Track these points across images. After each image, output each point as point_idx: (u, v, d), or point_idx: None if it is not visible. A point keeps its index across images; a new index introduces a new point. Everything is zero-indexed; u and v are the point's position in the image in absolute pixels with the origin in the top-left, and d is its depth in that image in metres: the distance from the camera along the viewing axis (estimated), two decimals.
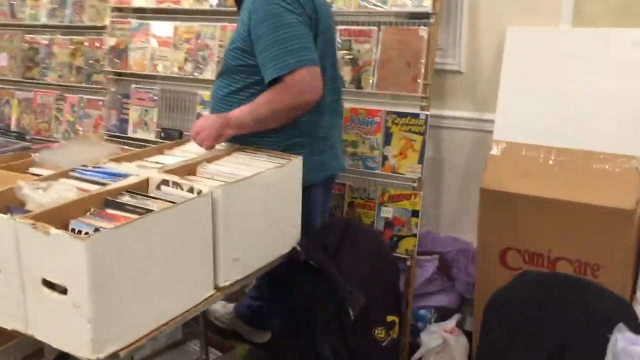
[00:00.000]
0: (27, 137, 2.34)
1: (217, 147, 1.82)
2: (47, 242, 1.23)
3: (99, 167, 1.64)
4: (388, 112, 2.35)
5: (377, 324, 1.64)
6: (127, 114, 3.01)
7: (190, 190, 1.49)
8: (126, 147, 2.63)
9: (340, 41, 2.41)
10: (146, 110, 2.95)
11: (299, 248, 1.73)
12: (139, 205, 1.41)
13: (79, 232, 1.32)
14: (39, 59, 3.41)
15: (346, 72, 2.41)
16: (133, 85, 2.99)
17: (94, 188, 1.51)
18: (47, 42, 3.37)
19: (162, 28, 2.91)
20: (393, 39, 2.31)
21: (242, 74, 1.93)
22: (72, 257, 1.20)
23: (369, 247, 1.72)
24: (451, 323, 2.33)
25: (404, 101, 2.35)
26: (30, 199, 1.46)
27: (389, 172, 2.34)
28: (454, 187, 2.55)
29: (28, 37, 3.45)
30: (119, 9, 3.07)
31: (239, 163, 1.73)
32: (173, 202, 1.41)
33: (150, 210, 1.37)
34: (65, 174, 1.60)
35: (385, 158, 2.35)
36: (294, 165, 1.74)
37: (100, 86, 3.15)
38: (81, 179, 1.57)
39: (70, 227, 1.35)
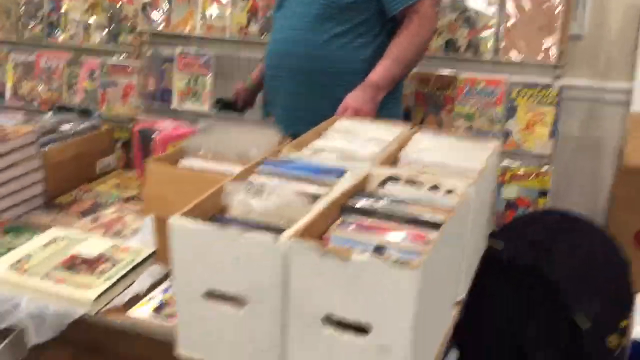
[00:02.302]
0: (94, 112, 1.93)
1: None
2: (344, 271, 0.93)
3: (290, 160, 1.32)
4: (513, 83, 2.12)
5: (610, 332, 1.45)
6: (170, 82, 2.60)
7: (434, 188, 1.21)
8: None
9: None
10: (196, 79, 2.56)
11: (499, 246, 1.49)
12: (396, 211, 1.12)
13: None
14: (42, 16, 2.89)
15: (460, 35, 2.15)
16: (178, 49, 2.58)
17: (311, 189, 1.20)
18: None
19: None
20: None
21: (352, 12, 1.75)
22: (389, 289, 0.91)
23: (591, 241, 1.51)
24: None
25: (529, 70, 2.13)
26: (244, 205, 1.14)
27: (513, 148, 2.14)
28: (563, 163, 2.38)
29: None
30: None
31: (434, 148, 1.45)
32: (449, 208, 1.13)
33: (422, 221, 1.09)
34: (253, 169, 1.27)
35: (507, 133, 2.14)
36: (496, 147, 1.49)
37: (128, 50, 2.71)
38: (279, 175, 1.25)
39: (331, 243, 1.05)
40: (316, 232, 1.06)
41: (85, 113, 1.94)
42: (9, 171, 1.60)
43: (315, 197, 1.16)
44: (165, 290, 1.28)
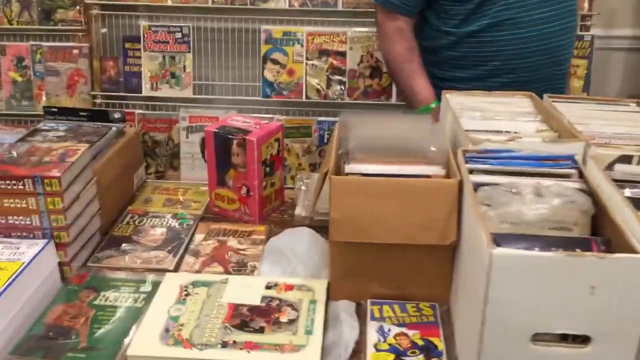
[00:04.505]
0: (117, 115, 1.51)
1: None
2: None
3: (493, 151, 1.10)
4: None
5: None
6: (138, 64, 2.16)
7: None
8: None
9: None
10: (172, 58, 2.15)
11: None
12: None
13: None
14: None
15: None
16: (143, 24, 2.14)
17: (570, 184, 1.01)
18: None
19: None
20: None
21: None
22: None
23: None
24: None
25: None
26: (510, 216, 0.92)
27: None
28: None
29: None
30: None
31: (598, 117, 1.31)
32: None
33: None
34: (462, 168, 1.04)
35: None
36: None
37: (72, 27, 2.19)
38: (506, 172, 1.04)
39: None
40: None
41: (100, 116, 1.52)
42: (74, 207, 1.19)
43: (584, 192, 0.97)
44: (382, 331, 1.03)
